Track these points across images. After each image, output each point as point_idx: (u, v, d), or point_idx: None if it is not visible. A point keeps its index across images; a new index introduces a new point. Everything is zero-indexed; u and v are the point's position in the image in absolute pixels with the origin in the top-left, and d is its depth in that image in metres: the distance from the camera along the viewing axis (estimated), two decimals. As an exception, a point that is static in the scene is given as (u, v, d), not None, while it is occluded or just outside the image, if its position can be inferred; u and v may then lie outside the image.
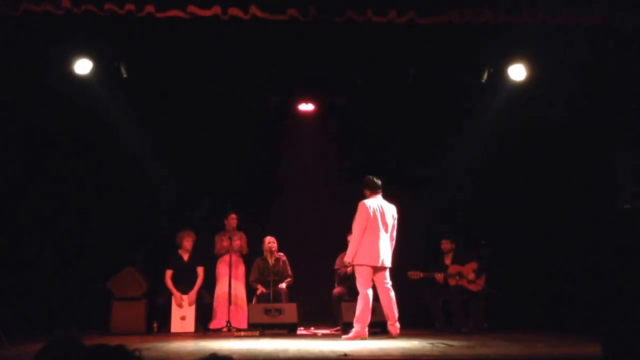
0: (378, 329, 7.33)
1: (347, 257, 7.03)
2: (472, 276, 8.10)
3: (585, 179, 8.02)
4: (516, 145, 8.70)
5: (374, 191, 7.07)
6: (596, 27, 6.97)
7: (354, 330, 6.82)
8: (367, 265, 6.87)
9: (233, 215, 8.63)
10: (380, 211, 6.95)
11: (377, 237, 6.86)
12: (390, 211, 7.06)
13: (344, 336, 6.93)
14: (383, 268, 6.95)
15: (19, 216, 8.02)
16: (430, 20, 6.83)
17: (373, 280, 6.93)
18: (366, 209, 6.91)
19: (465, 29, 6.95)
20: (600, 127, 7.79)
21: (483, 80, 8.39)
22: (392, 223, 7.03)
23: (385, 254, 6.92)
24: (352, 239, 6.96)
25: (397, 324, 6.92)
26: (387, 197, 7.14)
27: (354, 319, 6.87)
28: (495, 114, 8.55)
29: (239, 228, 8.67)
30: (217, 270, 8.56)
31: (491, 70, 8.35)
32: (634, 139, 7.67)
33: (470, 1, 6.80)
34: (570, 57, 7.51)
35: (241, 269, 8.56)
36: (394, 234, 7.07)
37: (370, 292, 6.87)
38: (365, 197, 7.05)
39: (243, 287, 8.52)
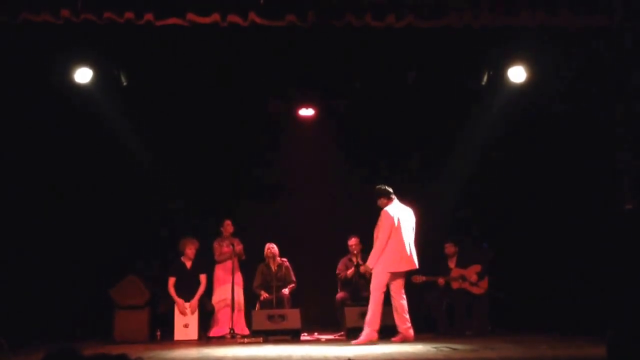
0: (382, 333, 7.30)
1: (370, 263, 7.02)
2: (475, 279, 8.08)
3: (586, 180, 8.00)
4: (517, 147, 8.68)
5: (389, 198, 7.09)
6: (596, 29, 6.96)
7: (364, 333, 6.81)
8: (386, 271, 6.87)
9: (228, 222, 8.63)
10: (401, 217, 6.97)
11: (399, 244, 6.87)
12: (409, 215, 7.07)
13: (353, 341, 6.87)
14: (402, 275, 6.97)
15: (21, 223, 8.01)
16: (429, 24, 6.82)
17: (387, 286, 6.92)
18: (390, 217, 6.92)
19: (464, 32, 6.93)
20: (600, 127, 7.77)
21: (483, 83, 8.39)
22: (412, 227, 7.05)
23: (406, 259, 6.91)
24: (376, 246, 6.94)
25: (410, 327, 6.90)
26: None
27: (365, 322, 6.86)
28: (495, 117, 8.54)
29: (235, 234, 8.66)
30: (215, 276, 8.55)
31: (491, 73, 8.34)
32: (634, 139, 7.65)
33: (470, 4, 6.79)
34: (570, 58, 7.50)
35: (240, 275, 8.54)
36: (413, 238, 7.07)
37: (382, 296, 6.86)
38: (383, 206, 7.05)
39: (242, 292, 8.51)
